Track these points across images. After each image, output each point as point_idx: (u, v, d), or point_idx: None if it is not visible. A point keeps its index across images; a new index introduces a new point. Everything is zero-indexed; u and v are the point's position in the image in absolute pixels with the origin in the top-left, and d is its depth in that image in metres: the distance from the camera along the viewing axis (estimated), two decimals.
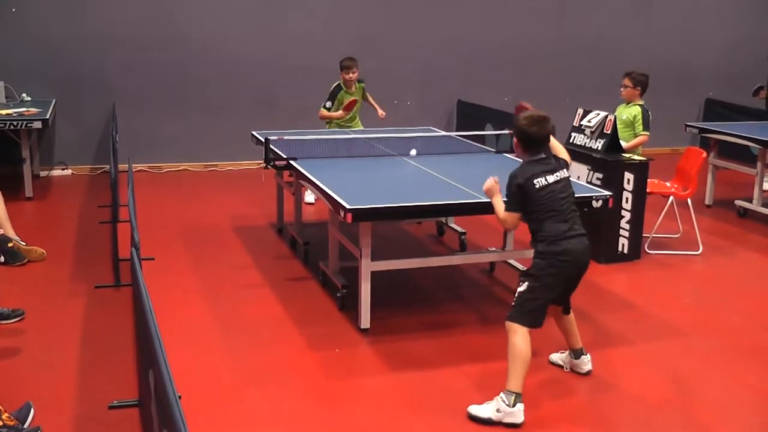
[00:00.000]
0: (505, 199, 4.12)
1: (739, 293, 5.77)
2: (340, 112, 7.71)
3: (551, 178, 3.95)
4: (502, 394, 3.80)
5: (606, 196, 4.94)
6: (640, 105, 6.73)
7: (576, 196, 4.27)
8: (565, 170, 4.06)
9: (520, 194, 3.95)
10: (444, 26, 10.15)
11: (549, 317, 4.10)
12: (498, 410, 3.78)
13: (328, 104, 7.73)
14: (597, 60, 10.66)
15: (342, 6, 9.77)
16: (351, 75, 7.68)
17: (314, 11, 9.65)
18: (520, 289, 3.93)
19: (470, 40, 10.29)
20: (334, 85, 7.77)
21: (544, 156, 4.03)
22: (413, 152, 6.20)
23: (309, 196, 7.69)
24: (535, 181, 3.92)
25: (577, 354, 4.34)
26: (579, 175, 6.36)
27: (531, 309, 3.88)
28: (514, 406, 3.75)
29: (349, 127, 7.88)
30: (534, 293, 3.89)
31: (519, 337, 3.82)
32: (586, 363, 4.33)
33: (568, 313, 4.26)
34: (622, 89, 6.83)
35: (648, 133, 6.66)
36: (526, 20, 10.50)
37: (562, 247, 3.89)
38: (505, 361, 3.86)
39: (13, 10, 8.70)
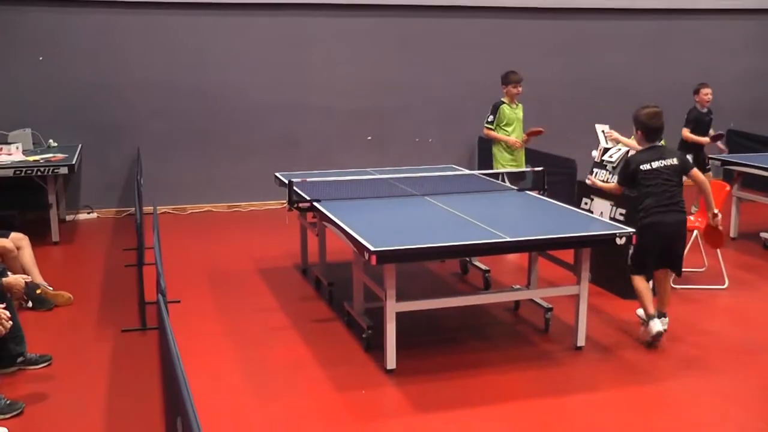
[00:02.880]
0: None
1: (767, 328, 5.70)
2: (517, 140, 7.54)
3: (656, 164, 5.13)
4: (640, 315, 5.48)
5: (629, 232, 4.91)
6: None
7: (599, 233, 4.67)
8: (673, 159, 5.17)
9: (630, 174, 5.22)
10: (463, 66, 10.21)
11: None
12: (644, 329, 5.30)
13: (491, 118, 7.58)
14: (617, 96, 10.66)
15: (360, 49, 9.87)
16: (519, 89, 7.57)
17: (334, 56, 9.76)
18: (632, 251, 5.37)
19: (490, 78, 10.32)
20: (496, 102, 7.63)
21: (657, 145, 5.23)
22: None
23: None
24: (641, 166, 5.15)
25: (658, 314, 5.29)
26: (602, 210, 6.36)
27: (638, 262, 5.28)
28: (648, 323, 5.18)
29: (514, 158, 7.64)
30: (637, 252, 5.25)
31: (636, 281, 5.25)
32: (657, 324, 5.16)
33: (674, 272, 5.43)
34: None
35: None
36: (544, 58, 10.54)
37: (652, 219, 5.09)
38: (532, 399, 4.30)
39: (41, 58, 8.88)
